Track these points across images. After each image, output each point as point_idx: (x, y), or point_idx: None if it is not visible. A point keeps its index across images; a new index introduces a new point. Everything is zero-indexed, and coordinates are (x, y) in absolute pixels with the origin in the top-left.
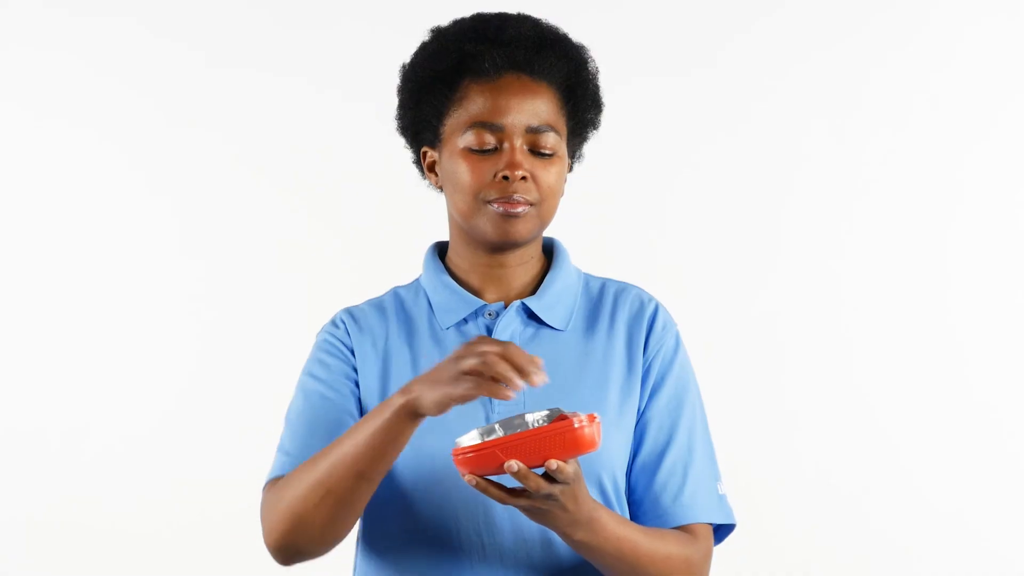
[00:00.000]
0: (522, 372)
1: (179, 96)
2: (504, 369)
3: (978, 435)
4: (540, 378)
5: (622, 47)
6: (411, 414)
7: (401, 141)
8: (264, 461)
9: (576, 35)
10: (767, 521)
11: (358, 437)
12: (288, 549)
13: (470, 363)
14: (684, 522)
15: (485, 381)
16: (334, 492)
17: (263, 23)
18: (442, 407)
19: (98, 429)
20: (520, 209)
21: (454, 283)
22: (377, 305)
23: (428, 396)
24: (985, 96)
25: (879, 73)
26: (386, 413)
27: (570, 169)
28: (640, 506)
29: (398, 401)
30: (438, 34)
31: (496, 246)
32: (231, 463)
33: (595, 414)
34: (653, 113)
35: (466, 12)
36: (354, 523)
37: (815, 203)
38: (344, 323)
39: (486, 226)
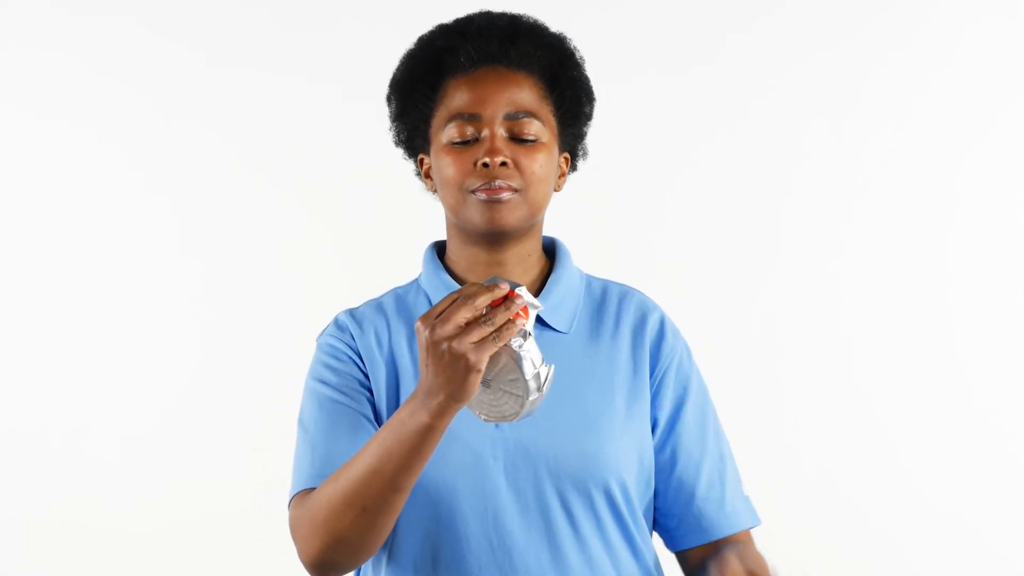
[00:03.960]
0: (490, 317)
1: (179, 96)
2: (476, 337)
3: (978, 435)
4: (501, 288)
5: (622, 45)
6: (442, 425)
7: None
8: (263, 461)
9: (578, 34)
10: (767, 521)
11: (391, 452)
12: (326, 566)
13: (446, 354)
14: (732, 531)
15: (476, 349)
16: (370, 508)
17: (263, 23)
18: (470, 396)
19: (98, 429)
20: (503, 195)
21: (453, 282)
22: (377, 306)
23: (454, 403)
24: (985, 96)
25: (879, 73)
26: (413, 428)
27: (574, 168)
28: (683, 521)
29: (424, 419)
30: (418, 40)
31: (486, 235)
32: (231, 463)
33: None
34: (653, 111)
35: (464, 11)
36: (390, 531)
37: (815, 202)
38: (347, 326)
39: (473, 216)
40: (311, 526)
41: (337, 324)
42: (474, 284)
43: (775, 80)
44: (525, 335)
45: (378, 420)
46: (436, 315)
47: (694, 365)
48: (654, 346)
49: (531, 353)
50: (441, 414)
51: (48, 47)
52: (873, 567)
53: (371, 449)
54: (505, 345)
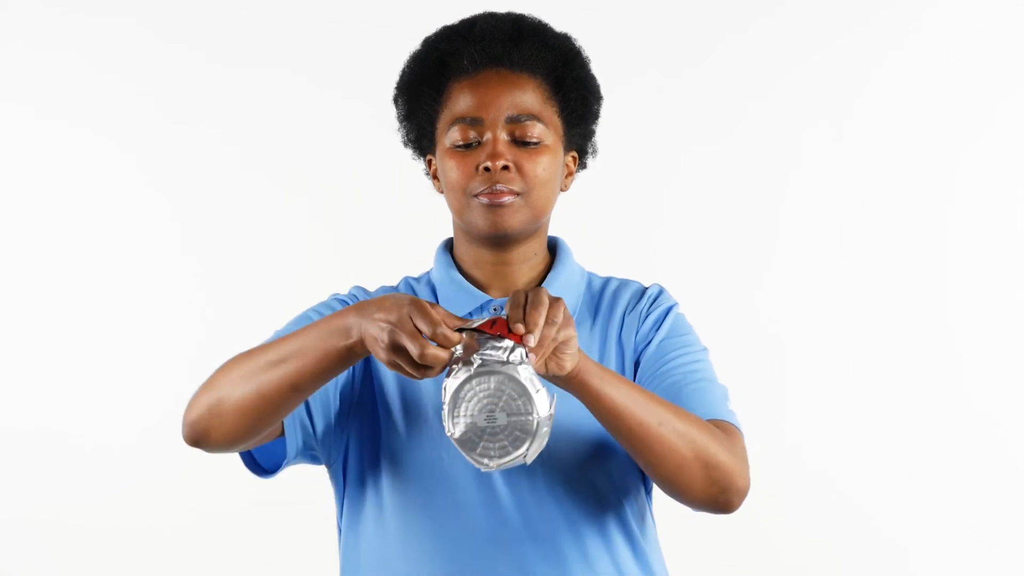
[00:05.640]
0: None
1: (179, 96)
2: (413, 345)
3: (977, 435)
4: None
5: (621, 47)
6: (353, 359)
7: (401, 144)
8: None
9: (577, 35)
10: (767, 521)
11: (306, 357)
12: (196, 428)
13: (388, 341)
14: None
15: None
16: (265, 396)
17: (263, 23)
18: (376, 356)
19: (98, 429)
20: (505, 199)
21: (461, 278)
22: (389, 290)
23: (369, 342)
24: (981, 96)
25: (877, 73)
26: (337, 345)
27: (584, 166)
28: None
29: (344, 342)
30: (424, 41)
31: (489, 239)
32: (231, 463)
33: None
34: (652, 113)
35: (465, 10)
36: (265, 431)
37: (814, 203)
38: (359, 297)
39: (477, 220)
40: (208, 382)
41: (351, 292)
42: (475, 319)
43: (774, 81)
44: (473, 377)
45: (379, 395)
46: (427, 306)
47: (674, 320)
48: (637, 315)
49: (470, 397)
50: (349, 331)
51: (48, 47)
52: (872, 567)
53: (292, 339)
54: (484, 383)
